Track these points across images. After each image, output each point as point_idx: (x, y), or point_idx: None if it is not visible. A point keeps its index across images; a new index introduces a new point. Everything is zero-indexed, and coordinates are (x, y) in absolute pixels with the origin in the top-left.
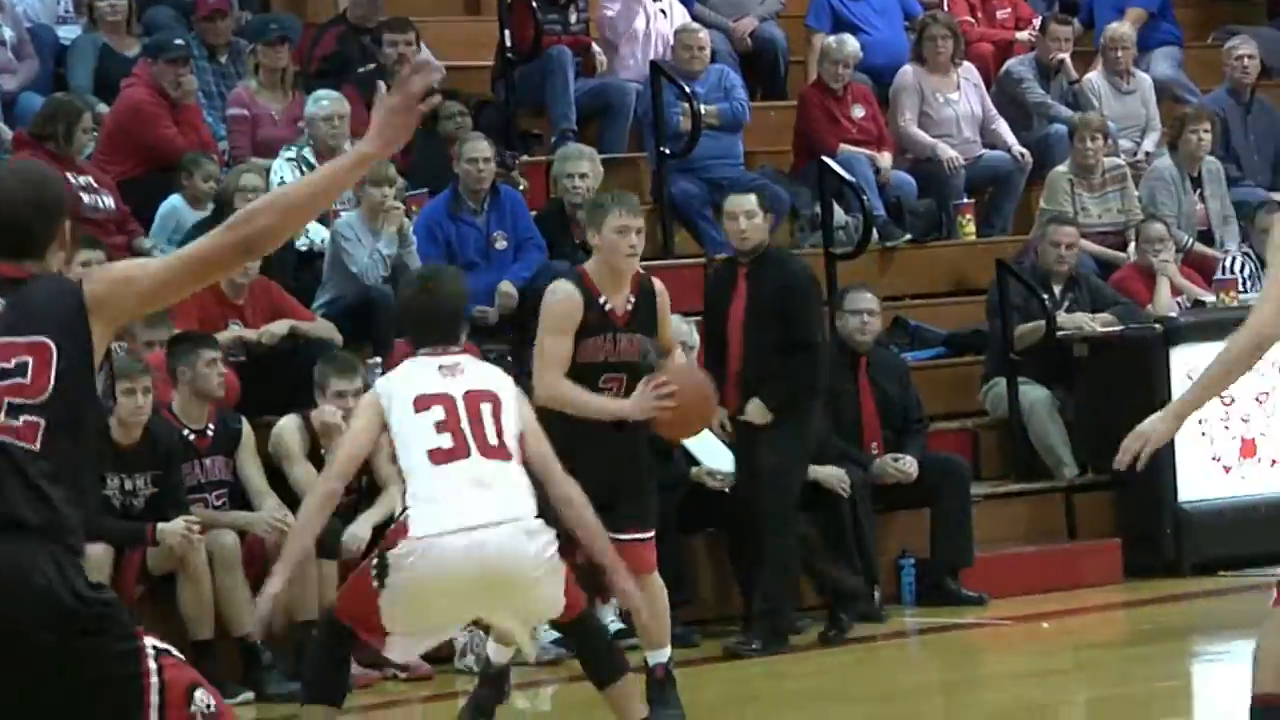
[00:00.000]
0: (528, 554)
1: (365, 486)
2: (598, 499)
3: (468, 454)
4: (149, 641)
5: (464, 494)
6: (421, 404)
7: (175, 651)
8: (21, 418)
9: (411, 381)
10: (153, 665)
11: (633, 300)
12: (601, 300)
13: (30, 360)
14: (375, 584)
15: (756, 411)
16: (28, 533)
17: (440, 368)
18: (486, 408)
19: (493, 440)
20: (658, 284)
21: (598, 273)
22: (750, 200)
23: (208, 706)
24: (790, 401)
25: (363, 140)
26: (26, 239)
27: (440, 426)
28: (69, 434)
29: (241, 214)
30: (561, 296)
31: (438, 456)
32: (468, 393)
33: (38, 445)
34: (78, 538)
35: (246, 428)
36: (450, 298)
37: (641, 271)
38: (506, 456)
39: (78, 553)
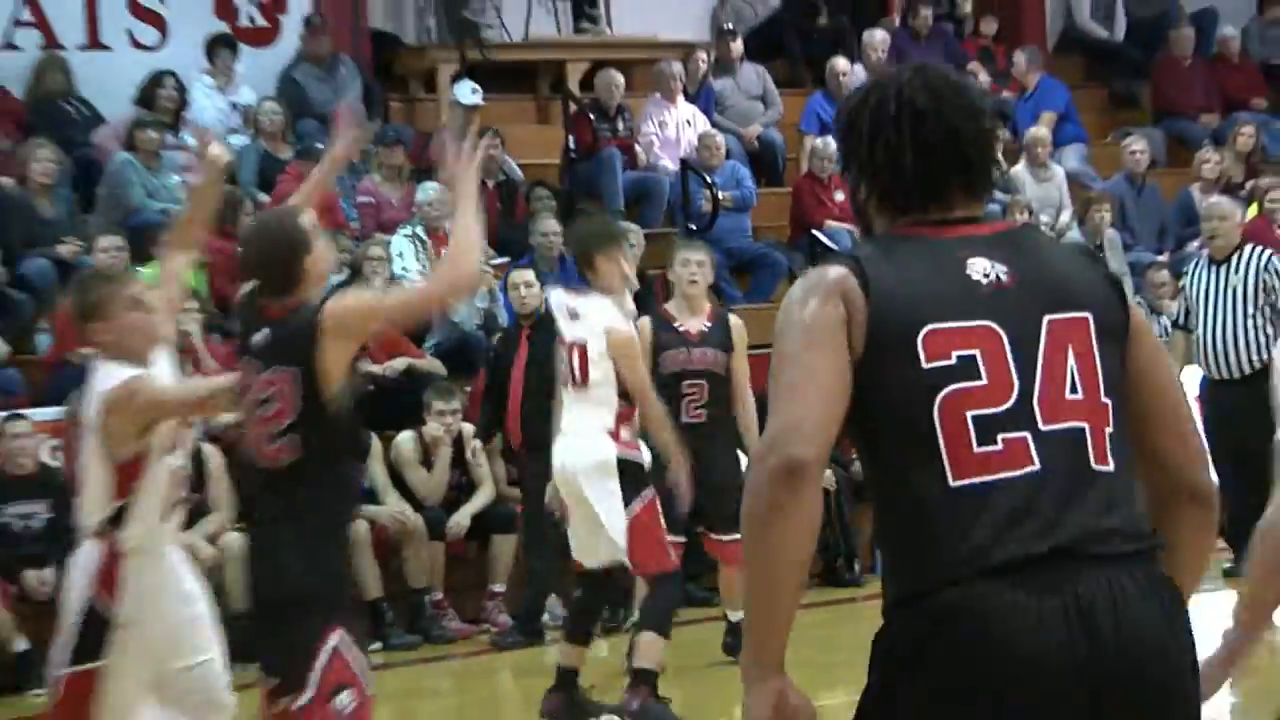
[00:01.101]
0: (589, 454)
1: (464, 483)
2: (706, 503)
3: (573, 384)
4: None
5: (562, 412)
6: (560, 342)
7: None
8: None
9: (559, 320)
10: None
11: (708, 325)
12: (675, 324)
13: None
14: None
15: None
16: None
17: (567, 311)
18: (575, 354)
19: (578, 378)
20: (734, 318)
21: (675, 304)
22: (529, 274)
23: None
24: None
25: (455, 197)
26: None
27: (564, 360)
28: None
29: (437, 272)
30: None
31: (563, 379)
32: (573, 344)
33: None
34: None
35: (376, 442)
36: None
37: (723, 308)
38: (589, 383)
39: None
